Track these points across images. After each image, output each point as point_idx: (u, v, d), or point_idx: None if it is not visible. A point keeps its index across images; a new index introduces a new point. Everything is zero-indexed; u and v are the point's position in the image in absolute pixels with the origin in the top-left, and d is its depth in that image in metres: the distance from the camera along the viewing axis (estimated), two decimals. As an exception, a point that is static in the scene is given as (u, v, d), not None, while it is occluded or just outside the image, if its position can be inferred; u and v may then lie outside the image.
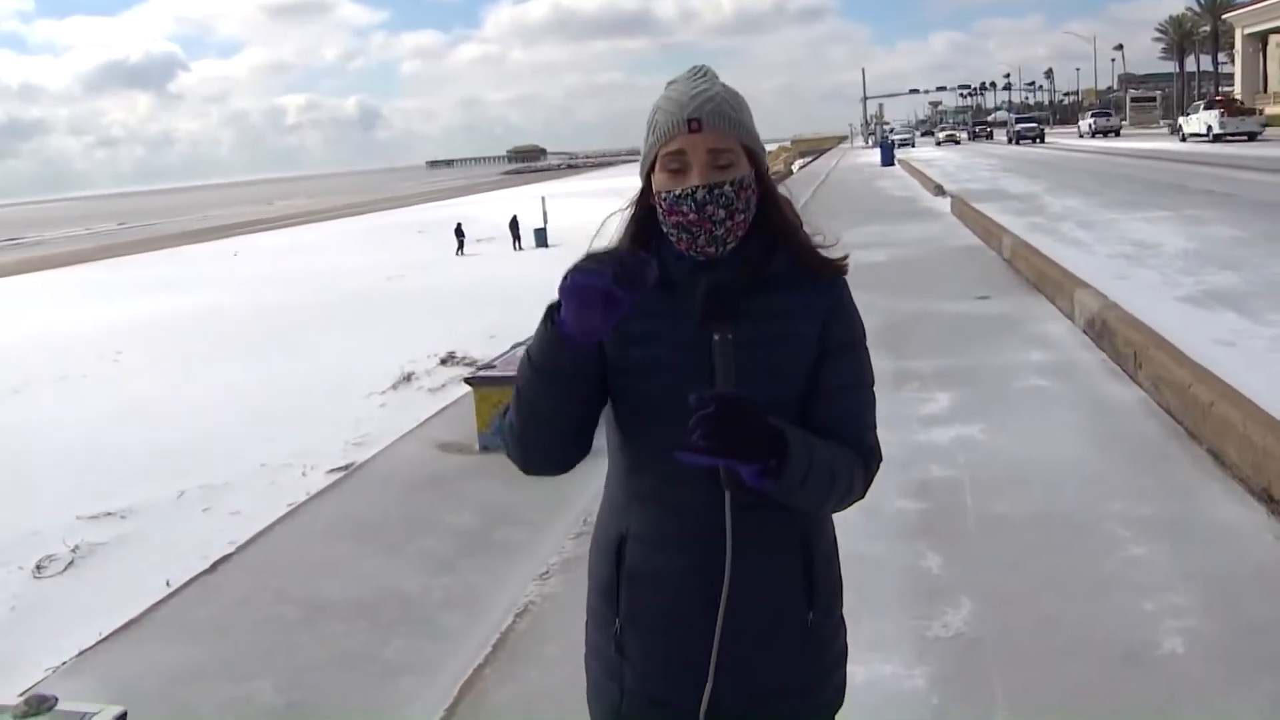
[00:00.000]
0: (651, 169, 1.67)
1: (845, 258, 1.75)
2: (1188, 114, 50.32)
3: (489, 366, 7.41)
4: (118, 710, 2.55)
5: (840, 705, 1.85)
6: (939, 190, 25.22)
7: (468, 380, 7.32)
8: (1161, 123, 67.77)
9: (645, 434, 1.70)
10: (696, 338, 1.57)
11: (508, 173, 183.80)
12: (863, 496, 1.73)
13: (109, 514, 8.08)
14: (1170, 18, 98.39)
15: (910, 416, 6.39)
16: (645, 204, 1.70)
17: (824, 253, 1.74)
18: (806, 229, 1.74)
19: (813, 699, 1.79)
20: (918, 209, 22.20)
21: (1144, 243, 12.76)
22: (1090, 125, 66.12)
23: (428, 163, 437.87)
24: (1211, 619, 3.77)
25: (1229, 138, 42.93)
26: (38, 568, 7.08)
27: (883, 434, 1.77)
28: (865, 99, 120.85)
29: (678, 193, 1.62)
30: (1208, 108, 47.80)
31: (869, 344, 1.78)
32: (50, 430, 11.76)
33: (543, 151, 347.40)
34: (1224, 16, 74.21)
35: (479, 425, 6.91)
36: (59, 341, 19.04)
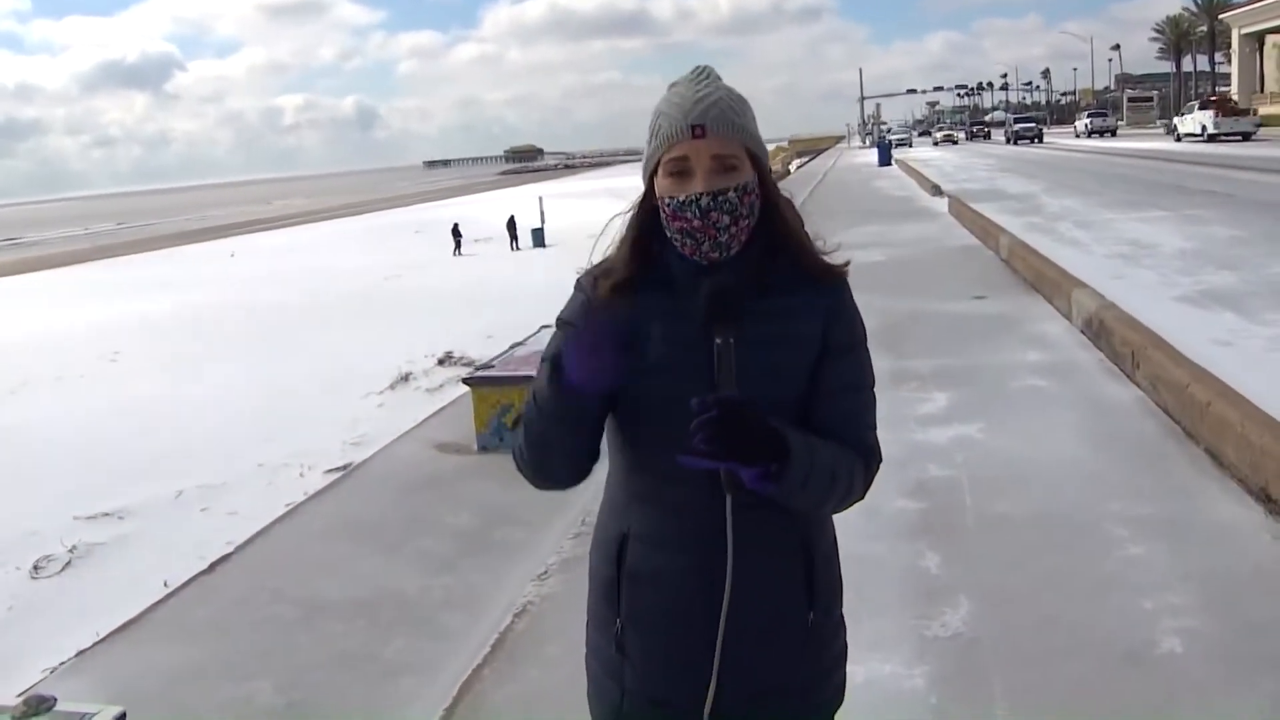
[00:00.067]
0: (654, 172, 1.67)
1: (846, 264, 1.76)
2: (1182, 114, 50.41)
3: (487, 367, 7.41)
4: (117, 710, 2.55)
5: (840, 705, 1.85)
6: (936, 190, 25.22)
7: (466, 381, 7.32)
8: (1158, 123, 67.81)
9: (646, 434, 1.70)
10: (697, 338, 1.57)
11: (505, 173, 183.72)
12: (863, 497, 1.74)
13: (106, 514, 8.08)
14: (1167, 18, 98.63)
15: (908, 416, 6.40)
16: (648, 206, 1.70)
17: (825, 257, 1.74)
18: (807, 229, 1.74)
19: (813, 699, 1.79)
20: (915, 209, 22.20)
21: (1141, 242, 12.77)
22: (1086, 125, 66.22)
23: (425, 163, 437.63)
24: (1210, 619, 3.77)
25: (1223, 138, 43.04)
26: (35, 568, 7.08)
27: (881, 434, 1.77)
28: (863, 99, 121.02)
29: (682, 199, 1.62)
30: (1202, 108, 47.88)
31: (868, 344, 1.78)
32: (48, 430, 11.75)
33: (540, 151, 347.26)
34: (1221, 16, 74.27)
35: (477, 426, 6.91)
36: (57, 342, 19.03)
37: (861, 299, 1.77)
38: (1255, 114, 47.28)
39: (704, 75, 1.67)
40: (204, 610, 4.71)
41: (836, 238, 1.79)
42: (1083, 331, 8.50)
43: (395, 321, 18.01)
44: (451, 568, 4.99)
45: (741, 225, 1.64)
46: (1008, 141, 65.54)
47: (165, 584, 5.25)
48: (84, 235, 77.87)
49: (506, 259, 29.83)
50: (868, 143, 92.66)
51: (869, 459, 1.72)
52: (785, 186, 1.80)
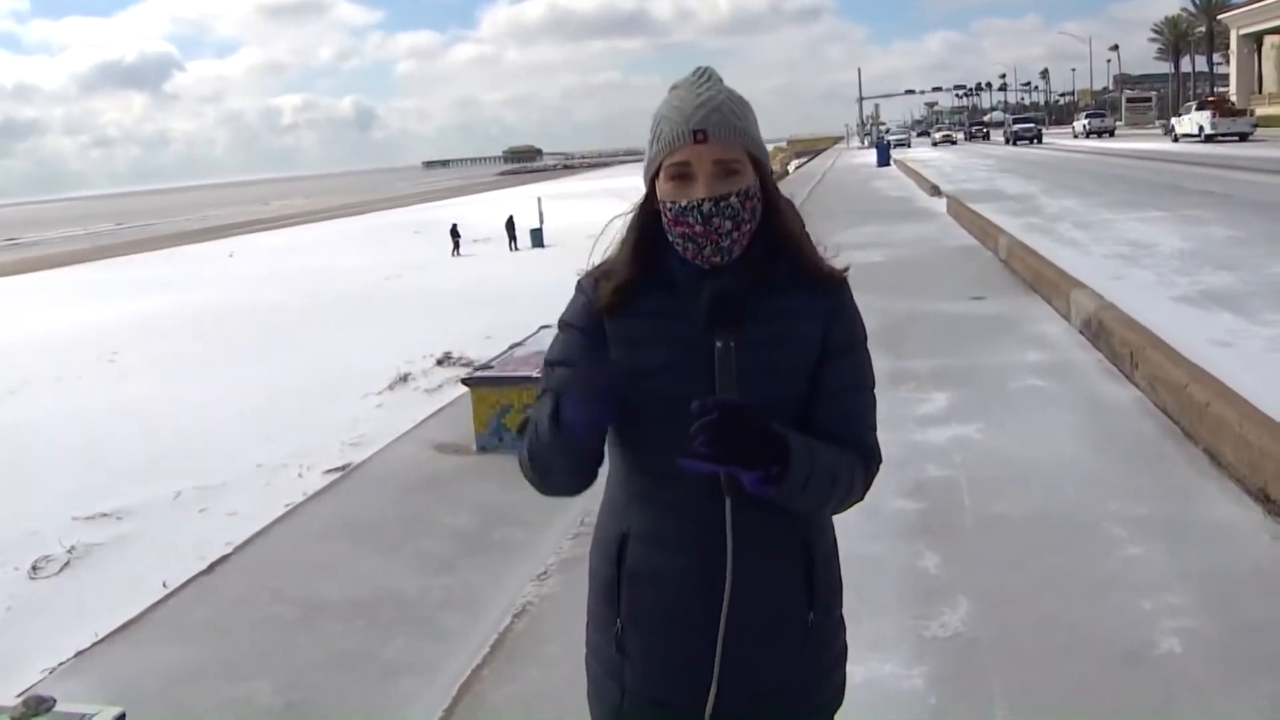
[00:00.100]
0: (655, 175, 1.67)
1: (846, 269, 1.76)
2: (1180, 115, 50.47)
3: (486, 367, 7.41)
4: (116, 711, 2.55)
5: (840, 705, 1.85)
6: (935, 190, 25.23)
7: (465, 381, 7.32)
8: (1157, 123, 67.86)
9: (646, 435, 1.70)
10: (698, 341, 1.57)
11: (504, 173, 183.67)
12: (863, 498, 1.74)
13: (105, 514, 8.07)
14: (1166, 18, 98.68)
15: (907, 416, 6.41)
16: (649, 208, 1.70)
17: (825, 262, 1.74)
18: (808, 231, 1.74)
19: (813, 699, 1.80)
20: (914, 209, 22.20)
21: (1140, 243, 12.77)
22: (1084, 126, 66.27)
23: (424, 163, 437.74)
24: (1209, 619, 3.78)
25: (1220, 138, 43.14)
26: (34, 568, 7.07)
27: (880, 434, 1.78)
28: (861, 99, 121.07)
29: (684, 204, 1.62)
30: (1199, 109, 47.99)
31: (868, 345, 1.78)
32: (46, 430, 11.75)
33: (539, 152, 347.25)
34: (1219, 17, 74.29)
35: (476, 426, 6.91)
36: (56, 342, 19.03)
37: (860, 299, 1.77)
38: (1252, 115, 47.32)
39: (705, 78, 1.67)
40: (203, 610, 4.71)
41: (835, 238, 1.80)
42: (1081, 332, 8.51)
43: (394, 322, 18.00)
44: (451, 568, 4.99)
45: (743, 230, 1.64)
46: (1007, 142, 65.54)
47: (164, 584, 5.25)
48: (83, 235, 77.83)
49: (505, 259, 29.82)
50: (866, 143, 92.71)
51: (869, 460, 1.72)
52: (784, 187, 1.80)
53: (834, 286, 1.72)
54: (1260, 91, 63.04)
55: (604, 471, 1.81)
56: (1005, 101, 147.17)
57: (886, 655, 3.63)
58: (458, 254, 31.63)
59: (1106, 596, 4.00)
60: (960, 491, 5.24)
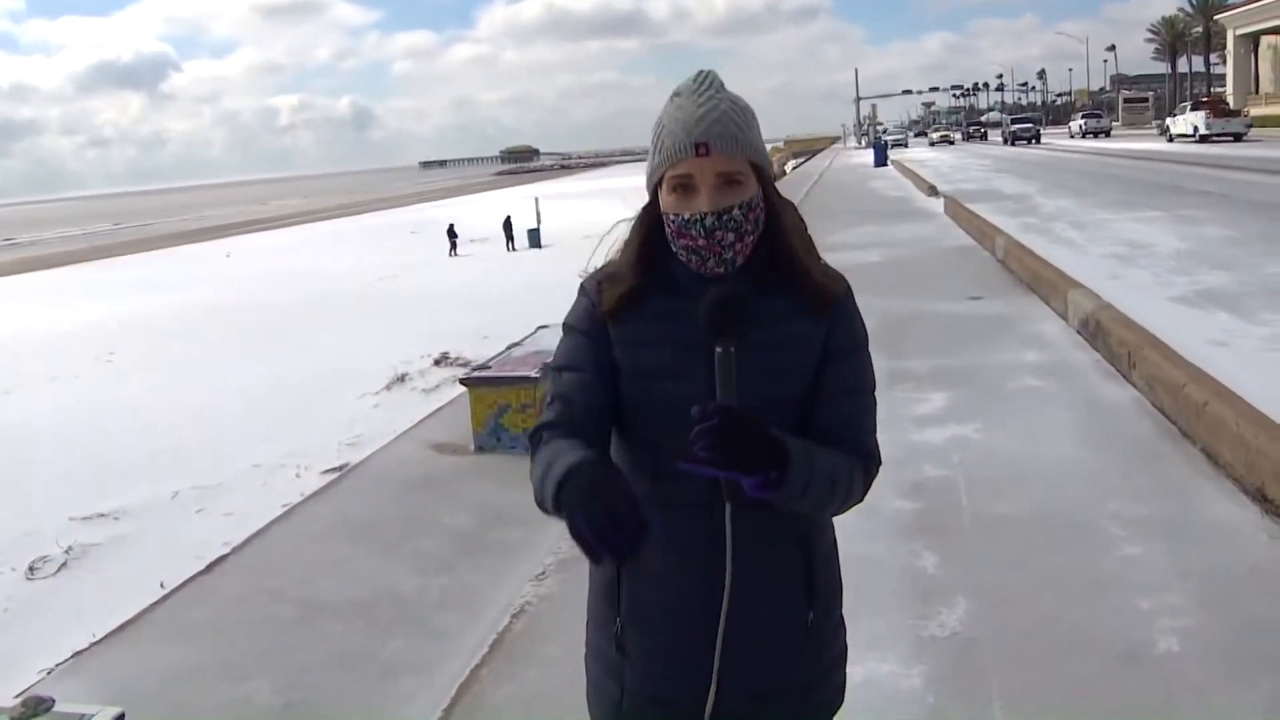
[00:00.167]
0: (658, 184, 1.67)
1: (844, 288, 1.75)
2: (1175, 115, 50.62)
3: (484, 367, 7.40)
4: (115, 711, 2.55)
5: (840, 705, 1.85)
6: (932, 191, 25.25)
7: (463, 381, 7.32)
8: (1153, 123, 67.93)
9: (647, 437, 1.71)
10: (700, 344, 1.57)
11: (501, 173, 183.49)
12: (862, 500, 1.74)
13: (102, 515, 8.07)
14: (1163, 18, 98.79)
15: (905, 416, 6.42)
16: (653, 215, 1.70)
17: (825, 276, 1.73)
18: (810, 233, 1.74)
19: (813, 699, 1.80)
20: (911, 209, 22.22)
21: (1137, 243, 12.79)
22: (1081, 126, 66.30)
23: (421, 163, 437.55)
24: (1207, 618, 3.78)
25: (1215, 138, 43.28)
26: (31, 569, 7.06)
27: (878, 434, 1.78)
28: (859, 99, 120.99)
29: (686, 217, 1.62)
30: (1194, 109, 48.18)
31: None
32: (43, 431, 11.74)
33: (536, 152, 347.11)
34: (1216, 17, 74.35)
35: (474, 426, 6.91)
36: (53, 342, 19.02)
37: (858, 299, 1.77)
38: (1246, 115, 47.47)
39: (707, 85, 1.65)
40: (202, 611, 4.71)
41: (833, 238, 1.81)
42: (1079, 332, 8.52)
43: (391, 322, 18.00)
44: (449, 568, 4.99)
45: (746, 241, 1.64)
46: (1005, 142, 65.56)
47: (161, 585, 5.24)
48: (80, 235, 77.77)
49: (503, 260, 29.82)
50: (864, 143, 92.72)
51: (868, 463, 1.72)
52: (781, 187, 1.80)
53: (828, 306, 1.70)
54: (1257, 92, 63.10)
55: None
56: (1002, 102, 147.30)
57: (885, 655, 3.64)
58: (455, 254, 31.62)
59: (1104, 596, 4.01)
60: (958, 491, 5.25)
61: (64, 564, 7.10)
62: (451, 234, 32.60)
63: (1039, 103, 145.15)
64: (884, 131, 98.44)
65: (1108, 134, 64.04)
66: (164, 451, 9.95)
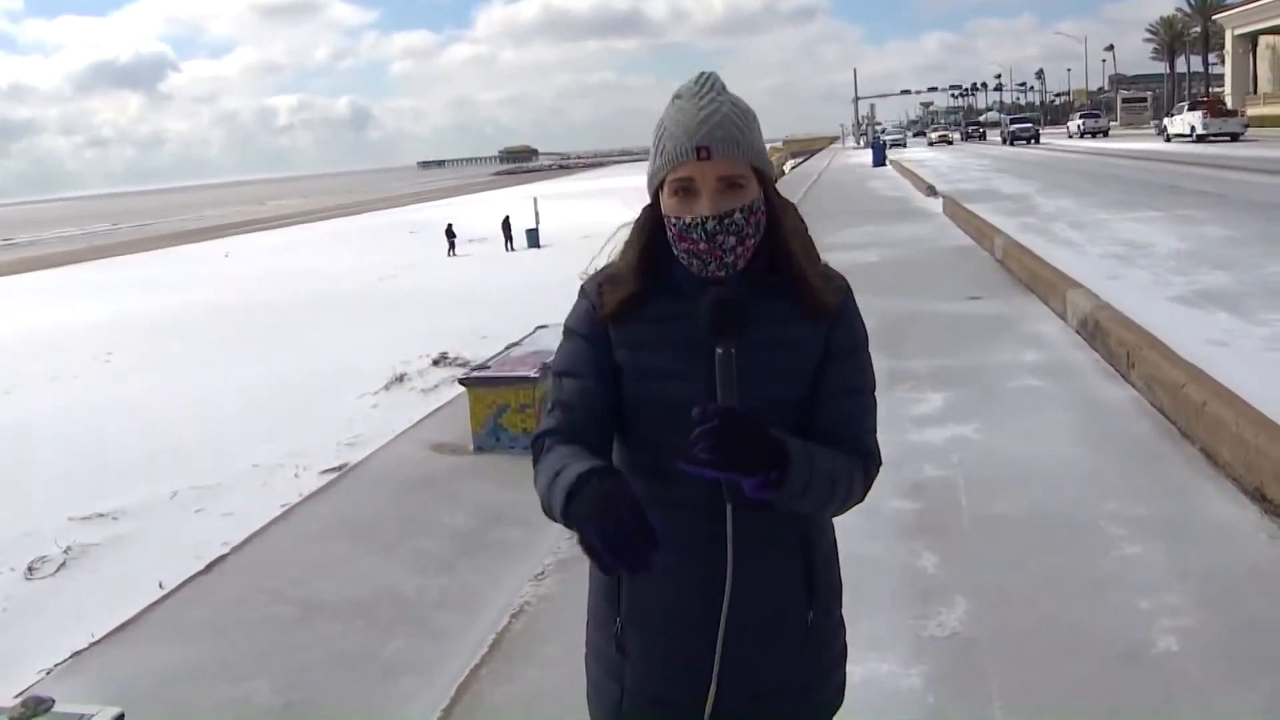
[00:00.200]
0: (660, 186, 1.67)
1: (843, 288, 1.75)
2: (1172, 115, 50.74)
3: (483, 367, 7.41)
4: (115, 711, 2.55)
5: (840, 705, 1.86)
6: (931, 191, 25.26)
7: (462, 381, 7.32)
8: (1152, 123, 67.98)
9: (647, 437, 1.71)
10: (700, 345, 1.57)
11: (499, 173, 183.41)
12: (862, 500, 1.74)
13: (101, 515, 8.05)
14: (1161, 18, 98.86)
15: (904, 416, 6.42)
16: (654, 217, 1.70)
17: (824, 278, 1.74)
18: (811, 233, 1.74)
19: (813, 699, 1.80)
20: (910, 209, 22.23)
21: (1136, 243, 12.80)
22: (1079, 126, 66.38)
23: (419, 163, 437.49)
24: (1207, 618, 3.78)
25: (1212, 138, 43.46)
26: (30, 569, 7.05)
27: (878, 434, 1.78)
28: (857, 99, 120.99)
29: (688, 221, 1.62)
30: (1191, 109, 48.39)
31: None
32: (42, 431, 11.73)
33: (534, 152, 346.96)
34: (1214, 17, 74.39)
35: (473, 426, 6.91)
36: (51, 342, 18.99)
37: (857, 299, 1.77)
38: (1242, 115, 47.61)
39: (708, 87, 1.65)
40: (201, 611, 4.71)
41: (831, 238, 1.80)
42: (1078, 332, 8.52)
43: (390, 322, 17.98)
44: (449, 568, 5.00)
45: (748, 244, 1.65)
46: (1004, 142, 65.54)
47: (160, 585, 5.24)
48: (78, 235, 77.74)
49: (501, 260, 29.80)
50: (862, 143, 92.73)
51: (868, 463, 1.73)
52: (780, 187, 1.80)
53: (823, 314, 1.70)
54: (1255, 91, 63.13)
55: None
56: (1000, 101, 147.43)
57: (884, 655, 3.64)
58: (453, 254, 31.60)
59: (1104, 596, 4.01)
60: (958, 491, 5.25)
61: (63, 564, 7.09)
62: (450, 234, 32.58)
63: (1037, 103, 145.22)
64: (882, 131, 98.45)
65: (1106, 134, 64.08)
66: (163, 451, 9.94)
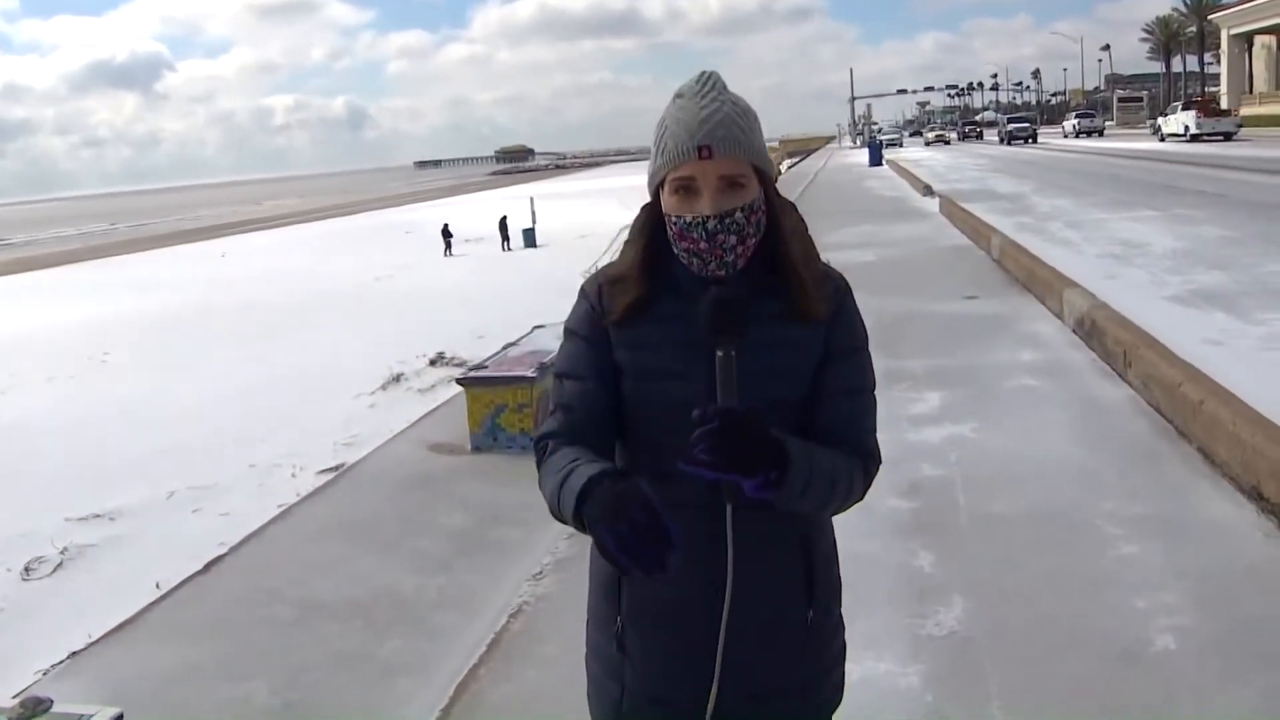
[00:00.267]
0: (660, 185, 1.68)
1: (843, 286, 1.75)
2: (1166, 115, 50.91)
3: (480, 367, 7.41)
4: (114, 712, 2.54)
5: (839, 703, 1.86)
6: (927, 190, 25.27)
7: (459, 381, 7.32)
8: (1148, 123, 68.09)
9: (647, 436, 1.71)
10: (701, 345, 1.57)
11: (496, 173, 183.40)
12: (862, 499, 1.75)
13: (98, 515, 8.05)
14: (1157, 18, 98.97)
15: (901, 416, 6.42)
16: (655, 216, 1.71)
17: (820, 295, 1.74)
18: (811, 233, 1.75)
19: (813, 698, 1.80)
20: (906, 209, 22.24)
21: (1132, 242, 12.81)
22: (1074, 126, 66.49)
23: (416, 163, 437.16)
24: (1204, 616, 3.79)
25: (1206, 137, 43.64)
26: (26, 570, 7.05)
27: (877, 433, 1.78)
28: (853, 99, 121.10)
29: (689, 220, 1.63)
30: (1185, 109, 48.59)
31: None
32: (39, 431, 11.72)
33: (531, 152, 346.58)
34: (1210, 17, 74.42)
35: (471, 426, 6.91)
36: (47, 342, 18.98)
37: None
38: (1236, 115, 47.81)
39: (709, 87, 1.65)
40: (200, 611, 4.70)
41: (828, 238, 1.80)
42: (1075, 331, 8.53)
43: (386, 322, 17.98)
44: (447, 568, 5.00)
45: (748, 244, 1.65)
46: (1001, 142, 65.52)
47: (157, 585, 5.23)
48: (74, 235, 77.63)
49: (497, 259, 29.79)
50: (858, 143, 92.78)
51: (868, 462, 1.73)
52: (777, 187, 1.80)
53: (817, 318, 1.70)
54: (1251, 91, 63.21)
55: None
56: (997, 101, 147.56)
57: (882, 654, 3.64)
58: (450, 254, 31.59)
59: (1101, 595, 4.01)
60: (955, 490, 5.25)
61: (59, 564, 7.08)
62: (446, 234, 32.57)
63: (1034, 102, 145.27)
64: (879, 131, 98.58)
65: (1101, 133, 64.16)
66: (160, 451, 9.94)
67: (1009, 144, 61.84)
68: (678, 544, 1.37)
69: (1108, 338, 7.54)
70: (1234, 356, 6.69)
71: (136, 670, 4.13)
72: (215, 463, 9.29)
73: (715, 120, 1.61)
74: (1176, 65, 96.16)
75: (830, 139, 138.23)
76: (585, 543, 1.85)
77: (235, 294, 24.42)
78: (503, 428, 6.83)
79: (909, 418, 6.43)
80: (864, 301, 1.80)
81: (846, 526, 1.89)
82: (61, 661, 4.33)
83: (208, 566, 5.18)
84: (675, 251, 1.68)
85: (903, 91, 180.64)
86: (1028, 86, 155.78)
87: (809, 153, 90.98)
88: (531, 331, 8.26)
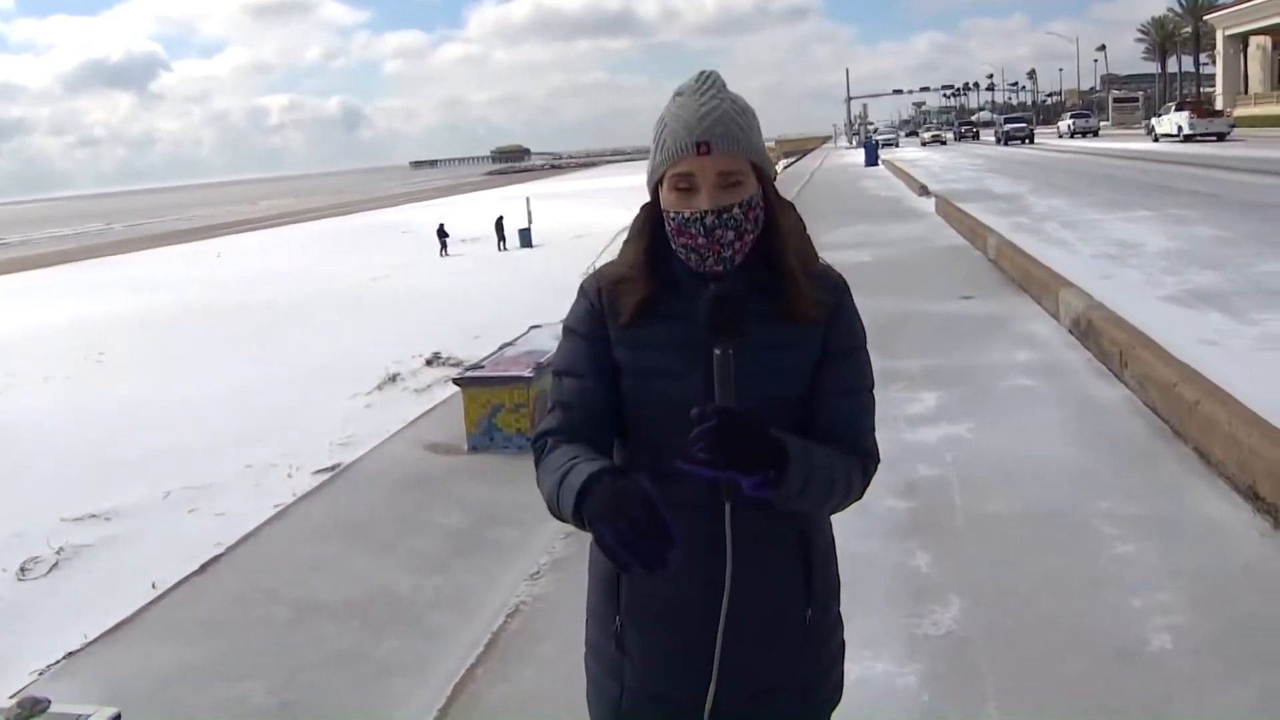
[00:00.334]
0: (659, 182, 1.68)
1: (838, 290, 1.75)
2: (1159, 115, 51.08)
3: (477, 367, 7.41)
4: (112, 712, 2.55)
5: (838, 702, 1.86)
6: (923, 190, 25.27)
7: (456, 381, 7.32)
8: (1143, 123, 68.24)
9: (646, 435, 1.72)
10: (700, 344, 1.57)
11: (491, 173, 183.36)
12: (860, 498, 1.75)
13: (94, 515, 8.05)
14: (1152, 19, 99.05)
15: (898, 416, 6.42)
16: (654, 213, 1.71)
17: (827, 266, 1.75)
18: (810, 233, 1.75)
19: (812, 697, 1.81)
20: (902, 209, 22.25)
21: (1128, 242, 12.82)
22: (1069, 126, 66.59)
23: (411, 163, 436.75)
24: (1200, 615, 3.80)
25: (1199, 138, 43.78)
26: (22, 570, 7.04)
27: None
28: (849, 99, 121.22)
29: (687, 215, 1.63)
30: (1178, 109, 48.79)
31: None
32: (35, 431, 11.71)
33: (526, 152, 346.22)
34: (1205, 18, 74.55)
35: (468, 426, 6.91)
36: (43, 342, 18.96)
37: (849, 299, 1.78)
38: (1229, 115, 48.00)
39: (709, 85, 1.67)
40: (197, 611, 4.70)
41: (825, 238, 1.81)
42: (1070, 331, 8.54)
43: (382, 322, 17.98)
44: (444, 568, 4.99)
45: (746, 240, 1.65)
46: (998, 142, 65.51)
47: (153, 585, 5.23)
48: (69, 235, 77.52)
49: (493, 259, 29.80)
50: (854, 143, 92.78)
51: (866, 461, 1.74)
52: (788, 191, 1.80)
53: (813, 319, 1.71)
54: (1246, 92, 63.32)
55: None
56: (993, 101, 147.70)
57: (879, 653, 3.65)
58: (445, 254, 31.59)
59: (1098, 594, 4.02)
60: (951, 490, 5.26)
61: (55, 565, 7.08)
62: (441, 234, 32.56)
63: (1029, 102, 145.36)
64: (875, 131, 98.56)
65: (1096, 134, 64.25)
66: (156, 451, 9.93)
67: (1006, 144, 61.83)
68: (678, 541, 1.38)
69: (1103, 338, 7.55)
70: (1229, 356, 6.70)
71: (133, 670, 4.13)
72: (211, 463, 9.29)
73: (714, 118, 1.62)
74: (1172, 66, 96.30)
75: (826, 139, 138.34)
76: (582, 543, 1.86)
77: (231, 294, 24.40)
78: (499, 428, 6.83)
79: (905, 418, 6.43)
80: (860, 301, 1.81)
81: (843, 526, 1.89)
82: (58, 662, 4.33)
83: (204, 567, 5.17)
84: (674, 247, 1.68)
85: (899, 92, 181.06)
86: (1023, 87, 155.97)
87: (805, 153, 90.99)
88: (528, 331, 8.27)
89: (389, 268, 27.72)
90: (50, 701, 2.57)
